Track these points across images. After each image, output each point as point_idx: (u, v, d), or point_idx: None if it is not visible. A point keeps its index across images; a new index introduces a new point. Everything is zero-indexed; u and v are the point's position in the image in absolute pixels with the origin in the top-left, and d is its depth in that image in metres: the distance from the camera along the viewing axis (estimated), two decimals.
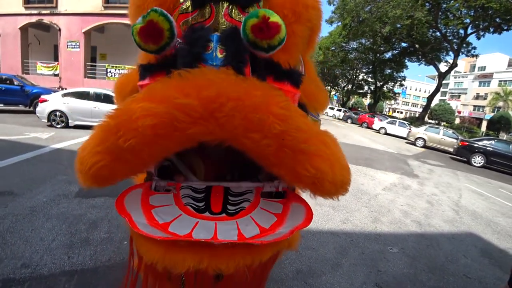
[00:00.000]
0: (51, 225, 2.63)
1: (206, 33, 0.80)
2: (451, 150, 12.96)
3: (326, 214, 3.72)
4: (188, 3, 0.88)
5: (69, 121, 7.47)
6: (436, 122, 36.79)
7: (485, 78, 45.08)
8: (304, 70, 1.08)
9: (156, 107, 0.66)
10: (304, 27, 0.91)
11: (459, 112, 45.60)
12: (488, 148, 11.00)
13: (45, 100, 7.48)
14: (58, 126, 7.42)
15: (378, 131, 19.64)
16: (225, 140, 0.73)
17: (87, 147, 0.73)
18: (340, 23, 25.88)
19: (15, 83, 9.60)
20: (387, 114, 44.06)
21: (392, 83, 35.36)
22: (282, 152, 0.71)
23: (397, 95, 41.15)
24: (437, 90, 23.72)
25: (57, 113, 7.41)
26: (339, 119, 29.08)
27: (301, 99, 0.96)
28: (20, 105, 9.70)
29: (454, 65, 22.17)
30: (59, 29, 14.16)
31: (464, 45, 21.81)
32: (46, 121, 7.41)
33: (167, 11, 0.88)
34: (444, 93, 53.14)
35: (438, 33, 22.20)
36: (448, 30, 21.58)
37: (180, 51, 0.78)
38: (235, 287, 0.89)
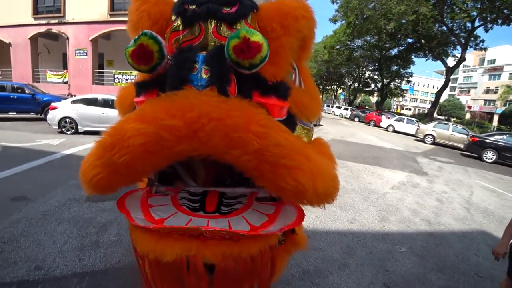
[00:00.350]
0: (62, 229, 2.71)
1: (192, 54, 0.83)
2: (462, 146, 12.67)
3: (333, 214, 3.71)
4: (179, 22, 0.91)
5: (79, 127, 7.65)
6: (446, 118, 36.08)
7: (495, 71, 43.96)
8: (298, 76, 1.10)
9: (146, 127, 0.72)
10: (293, 39, 0.93)
11: (469, 107, 44.56)
12: (500, 143, 10.71)
13: (55, 108, 7.68)
14: (68, 132, 7.61)
15: (386, 129, 19.38)
16: (209, 155, 0.77)
17: (88, 161, 0.80)
18: (344, 21, 25.68)
19: (26, 91, 9.88)
20: (395, 111, 43.41)
21: (399, 80, 34.84)
22: (262, 166, 0.75)
23: (404, 92, 40.49)
24: (445, 85, 23.27)
25: (67, 119, 7.60)
26: (346, 117, 28.82)
27: (291, 109, 0.98)
28: (32, 113, 9.97)
29: (462, 59, 21.69)
30: (67, 38, 14.51)
31: (472, 38, 21.30)
32: (56, 127, 7.60)
33: (160, 29, 0.93)
34: (453, 88, 52.02)
35: (444, 28, 21.77)
36: (455, 24, 21.12)
37: (168, 72, 0.82)
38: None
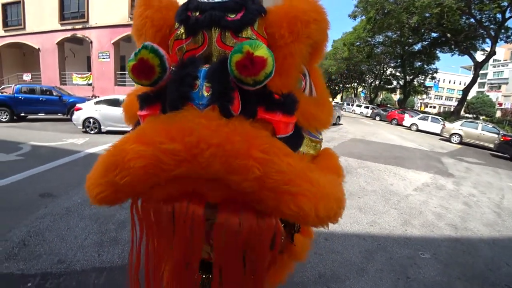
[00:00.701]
0: (84, 225, 2.82)
1: (193, 69, 0.80)
2: (492, 146, 11.92)
3: (352, 217, 3.59)
4: (182, 30, 0.89)
5: (102, 127, 7.98)
6: (474, 116, 34.09)
7: None
8: (309, 81, 1.04)
9: (145, 150, 0.71)
10: (303, 45, 0.88)
11: (500, 104, 41.77)
12: None
13: (80, 109, 8.07)
14: (92, 132, 7.95)
15: (409, 128, 18.61)
16: (210, 178, 0.76)
17: (91, 178, 0.81)
18: (364, 17, 24.95)
19: (54, 93, 10.48)
20: (419, 109, 41.60)
21: (423, 77, 33.40)
22: (263, 193, 0.73)
23: (428, 89, 38.76)
24: (473, 81, 21.99)
25: (91, 120, 7.95)
26: (367, 116, 28.00)
27: (299, 122, 0.94)
28: (59, 114, 10.55)
29: (492, 53, 20.36)
30: (91, 42, 15.21)
31: (503, 30, 19.94)
32: (81, 127, 7.98)
33: (164, 36, 0.91)
34: (482, 84, 49.05)
35: (472, 20, 20.53)
36: (484, 16, 19.85)
37: (168, 89, 0.81)
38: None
